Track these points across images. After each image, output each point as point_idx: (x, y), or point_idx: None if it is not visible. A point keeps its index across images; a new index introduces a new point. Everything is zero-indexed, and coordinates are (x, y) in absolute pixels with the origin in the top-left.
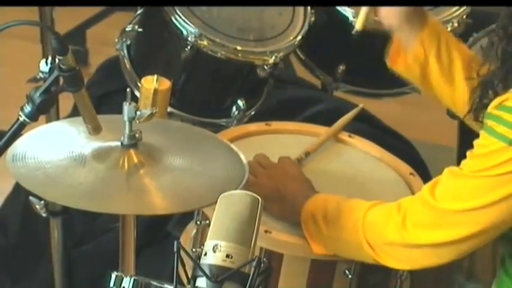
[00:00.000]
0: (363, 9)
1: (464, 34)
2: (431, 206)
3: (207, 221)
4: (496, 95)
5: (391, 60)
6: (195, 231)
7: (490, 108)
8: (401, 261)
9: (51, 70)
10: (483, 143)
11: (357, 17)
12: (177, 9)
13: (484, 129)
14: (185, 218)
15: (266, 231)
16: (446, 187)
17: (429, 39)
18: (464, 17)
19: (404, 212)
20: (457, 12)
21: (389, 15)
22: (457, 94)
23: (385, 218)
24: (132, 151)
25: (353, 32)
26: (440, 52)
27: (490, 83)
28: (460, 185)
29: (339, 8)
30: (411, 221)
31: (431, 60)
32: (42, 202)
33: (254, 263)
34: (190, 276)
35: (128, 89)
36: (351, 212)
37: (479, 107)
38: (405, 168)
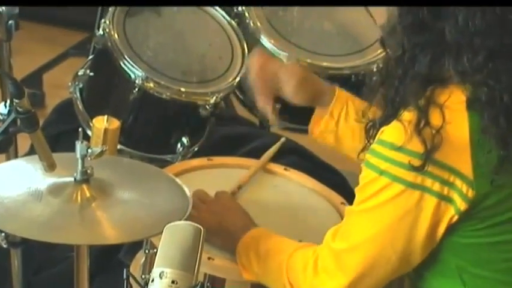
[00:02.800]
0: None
1: None
2: (330, 248)
3: (155, 250)
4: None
5: (310, 128)
6: (143, 259)
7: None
8: None
9: (9, 112)
10: (362, 175)
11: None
12: (125, 54)
13: (364, 163)
14: (135, 246)
15: (209, 258)
16: (342, 227)
17: (338, 108)
18: None
19: (315, 257)
20: (382, 54)
21: (296, 100)
22: None
23: (303, 263)
24: (85, 186)
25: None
26: (348, 116)
27: (374, 124)
28: (347, 222)
29: (273, 51)
30: (320, 267)
31: (341, 125)
32: (2, 234)
33: None
34: None
35: (80, 129)
36: (278, 253)
37: (366, 148)
38: (337, 198)
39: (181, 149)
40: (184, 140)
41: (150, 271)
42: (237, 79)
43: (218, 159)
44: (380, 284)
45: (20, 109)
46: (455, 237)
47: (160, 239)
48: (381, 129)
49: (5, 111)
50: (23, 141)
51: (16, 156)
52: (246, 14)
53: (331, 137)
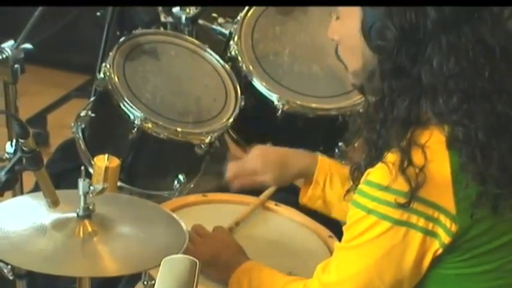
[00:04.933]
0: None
1: None
2: (319, 281)
3: (153, 281)
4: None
5: (300, 197)
6: None
7: (360, 184)
8: None
9: (15, 151)
10: (350, 214)
11: None
12: (125, 96)
13: (351, 202)
14: (134, 278)
15: None
16: (331, 261)
17: (322, 176)
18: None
19: None
20: None
21: (282, 184)
22: None
23: None
24: (87, 221)
25: None
26: (332, 182)
27: (359, 167)
28: (336, 257)
29: (265, 93)
30: None
31: (327, 190)
32: (9, 266)
33: None
34: None
35: (82, 167)
36: (270, 285)
37: (352, 189)
38: (325, 231)
39: (177, 185)
40: (181, 177)
41: None
42: (231, 120)
43: (213, 195)
44: None
45: (25, 148)
46: (439, 269)
47: (158, 271)
48: (368, 171)
49: (11, 150)
50: (28, 178)
51: (22, 193)
52: (239, 58)
53: (319, 203)
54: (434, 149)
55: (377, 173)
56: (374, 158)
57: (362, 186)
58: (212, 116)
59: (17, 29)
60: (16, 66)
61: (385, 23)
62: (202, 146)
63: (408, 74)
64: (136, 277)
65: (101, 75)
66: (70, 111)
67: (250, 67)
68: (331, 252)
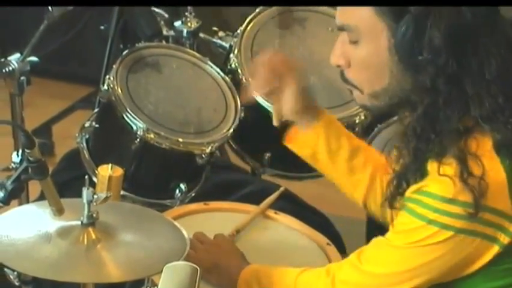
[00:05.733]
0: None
1: (370, 125)
2: (357, 268)
3: (155, 287)
4: (409, 185)
5: (287, 139)
6: None
7: (409, 193)
8: None
9: (21, 161)
10: (405, 221)
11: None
12: (128, 107)
13: (405, 210)
14: (137, 284)
15: None
16: (371, 253)
17: (322, 128)
18: None
19: (332, 275)
20: None
21: (288, 113)
22: (338, 174)
23: (315, 281)
24: (91, 229)
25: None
26: (329, 138)
27: (403, 175)
28: (383, 252)
29: (264, 104)
30: (339, 281)
31: (320, 143)
32: (15, 273)
33: None
34: None
35: (86, 176)
36: (282, 278)
37: (395, 196)
38: (322, 239)
39: (179, 194)
40: (182, 186)
41: None
42: (231, 130)
43: (213, 204)
44: None
45: (31, 158)
46: (491, 266)
47: (160, 278)
48: (424, 182)
49: (17, 160)
50: (34, 187)
51: (27, 202)
52: (239, 71)
53: (307, 151)
54: (487, 156)
55: (439, 186)
56: (417, 168)
57: (419, 196)
58: (213, 127)
59: (23, 42)
60: (22, 78)
61: (433, 34)
62: (203, 155)
63: (456, 82)
64: (138, 283)
65: (105, 87)
66: (74, 122)
67: (250, 79)
68: (329, 259)
